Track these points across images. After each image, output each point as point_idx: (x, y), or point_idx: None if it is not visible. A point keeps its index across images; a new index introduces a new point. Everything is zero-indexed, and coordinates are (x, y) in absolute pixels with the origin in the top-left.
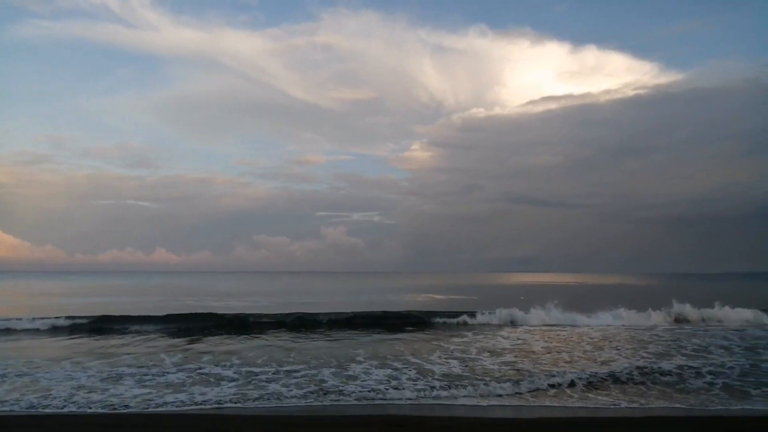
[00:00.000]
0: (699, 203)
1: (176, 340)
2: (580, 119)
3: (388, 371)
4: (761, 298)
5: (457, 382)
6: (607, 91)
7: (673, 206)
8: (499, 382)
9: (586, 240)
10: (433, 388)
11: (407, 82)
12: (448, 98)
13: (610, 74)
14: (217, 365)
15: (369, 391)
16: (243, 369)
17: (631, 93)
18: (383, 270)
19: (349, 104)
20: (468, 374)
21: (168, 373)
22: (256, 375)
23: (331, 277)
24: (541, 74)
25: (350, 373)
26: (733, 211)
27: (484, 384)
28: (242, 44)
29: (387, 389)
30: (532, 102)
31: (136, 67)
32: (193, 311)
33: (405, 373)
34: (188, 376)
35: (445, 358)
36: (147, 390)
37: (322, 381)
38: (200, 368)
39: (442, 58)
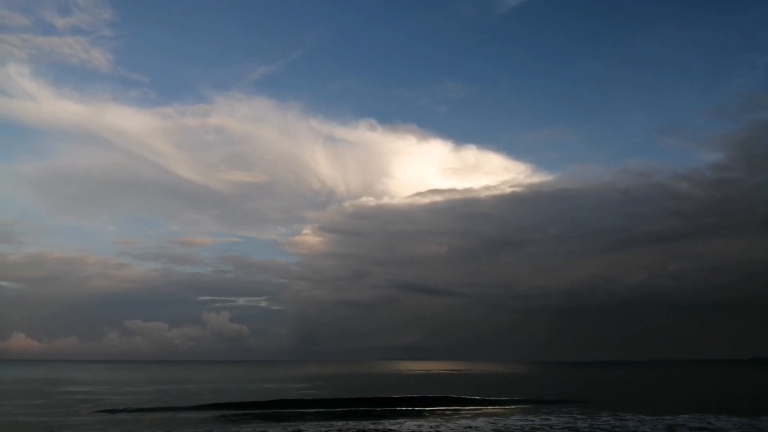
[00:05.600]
0: (568, 294)
1: None
2: (463, 212)
3: None
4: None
5: None
6: (487, 187)
7: (545, 297)
8: None
9: (467, 328)
10: None
11: (299, 169)
12: (339, 186)
13: (489, 172)
14: None
15: None
16: None
17: (508, 190)
18: (267, 358)
19: (240, 187)
20: None
21: None
22: None
23: (206, 367)
24: (426, 168)
25: None
26: (598, 302)
27: None
28: (129, 121)
29: None
30: (419, 194)
31: (5, 136)
32: None
33: None
34: None
35: None
36: None
37: None
38: None
39: (334, 148)
